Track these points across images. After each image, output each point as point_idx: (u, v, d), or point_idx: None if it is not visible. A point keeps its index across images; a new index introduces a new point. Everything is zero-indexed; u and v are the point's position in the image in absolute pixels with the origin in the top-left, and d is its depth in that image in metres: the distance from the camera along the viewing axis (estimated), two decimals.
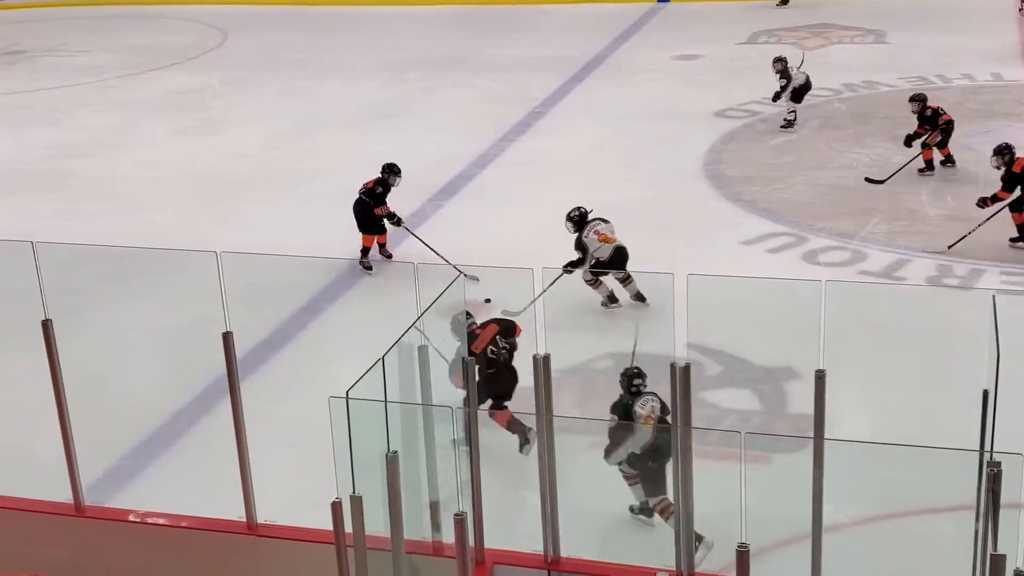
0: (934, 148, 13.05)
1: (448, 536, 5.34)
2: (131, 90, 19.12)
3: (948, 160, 13.19)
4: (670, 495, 5.86)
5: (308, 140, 15.82)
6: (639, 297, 10.09)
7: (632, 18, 22.39)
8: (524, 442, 7.77)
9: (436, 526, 5.59)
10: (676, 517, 5.30)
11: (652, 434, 6.67)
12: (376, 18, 24.23)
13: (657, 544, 5.46)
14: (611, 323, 8.85)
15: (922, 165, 13.05)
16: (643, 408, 6.78)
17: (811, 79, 15.22)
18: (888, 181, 12.79)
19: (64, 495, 6.46)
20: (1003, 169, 11.04)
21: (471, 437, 5.38)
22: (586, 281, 10.11)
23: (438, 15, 24.16)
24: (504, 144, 15.24)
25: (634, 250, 10.08)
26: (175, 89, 18.98)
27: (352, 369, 4.93)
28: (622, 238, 10.14)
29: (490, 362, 7.96)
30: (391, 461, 4.81)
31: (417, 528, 5.42)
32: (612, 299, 10.12)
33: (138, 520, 6.43)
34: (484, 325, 8.13)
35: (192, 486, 7.69)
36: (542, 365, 5.33)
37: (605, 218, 10.25)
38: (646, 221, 12.11)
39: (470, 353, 7.51)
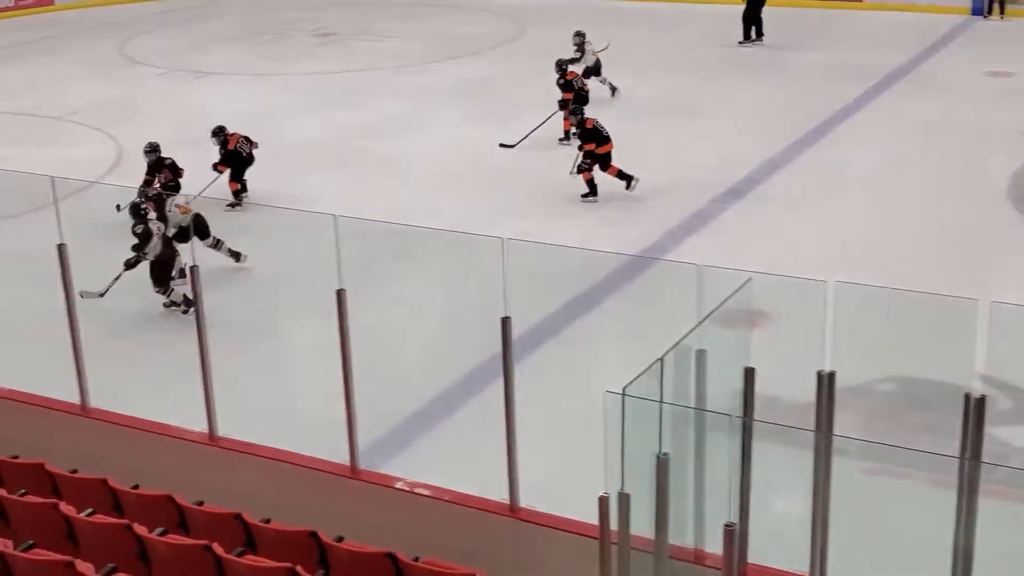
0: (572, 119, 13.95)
1: (712, 545, 5.21)
2: (429, 76, 19.76)
3: (565, 136, 14.73)
4: None
5: None
6: (235, 255, 11.16)
7: (943, 29, 21.34)
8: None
9: (701, 533, 5.47)
10: (955, 555, 5.00)
11: (160, 247, 10.23)
12: (680, 15, 24.07)
13: None
14: (901, 345, 8.43)
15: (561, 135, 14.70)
16: (156, 231, 10.22)
17: (601, 64, 16.39)
18: (518, 146, 14.33)
19: (341, 457, 6.73)
20: (579, 129, 13.09)
21: (744, 447, 5.22)
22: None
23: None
24: (797, 150, 14.82)
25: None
26: (469, 78, 19.47)
27: (621, 366, 4.87)
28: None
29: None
30: (662, 462, 4.74)
31: (680, 533, 5.32)
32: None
33: (405, 488, 6.64)
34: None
35: (457, 462, 7.84)
36: (826, 382, 5.13)
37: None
38: (946, 243, 11.54)
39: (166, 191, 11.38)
